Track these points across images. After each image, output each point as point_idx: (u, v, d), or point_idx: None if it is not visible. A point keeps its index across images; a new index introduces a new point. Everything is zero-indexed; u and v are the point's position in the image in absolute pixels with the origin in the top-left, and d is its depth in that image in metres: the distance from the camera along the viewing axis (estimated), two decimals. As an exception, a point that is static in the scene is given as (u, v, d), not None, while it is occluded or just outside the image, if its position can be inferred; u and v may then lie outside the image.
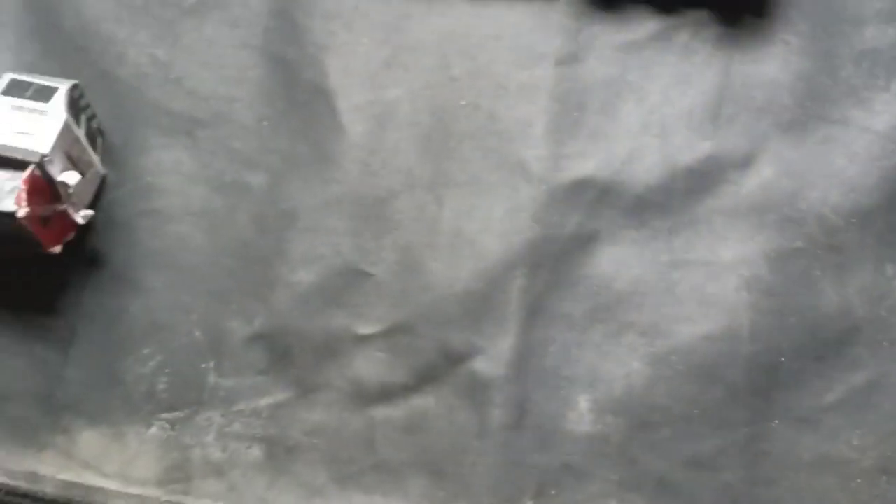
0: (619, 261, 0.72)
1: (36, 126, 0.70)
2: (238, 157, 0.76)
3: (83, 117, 0.75)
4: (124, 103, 0.77)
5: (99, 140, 0.78)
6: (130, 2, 0.79)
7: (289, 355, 0.74)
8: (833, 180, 0.72)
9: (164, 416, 0.74)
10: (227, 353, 0.74)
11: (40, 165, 0.69)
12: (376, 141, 0.75)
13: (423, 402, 0.72)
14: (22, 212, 0.68)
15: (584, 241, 0.73)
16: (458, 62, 0.76)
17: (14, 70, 0.76)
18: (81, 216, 0.73)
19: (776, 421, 0.69)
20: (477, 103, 0.75)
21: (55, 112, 0.71)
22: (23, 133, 0.70)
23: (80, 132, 0.74)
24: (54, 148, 0.70)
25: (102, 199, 0.77)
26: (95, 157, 0.76)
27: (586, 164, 0.74)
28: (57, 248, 0.73)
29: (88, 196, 0.76)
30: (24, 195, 0.68)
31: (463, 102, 0.75)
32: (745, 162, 0.73)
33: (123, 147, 0.77)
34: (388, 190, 0.75)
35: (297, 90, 0.77)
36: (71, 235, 0.75)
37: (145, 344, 0.74)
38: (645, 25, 0.76)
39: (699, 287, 0.71)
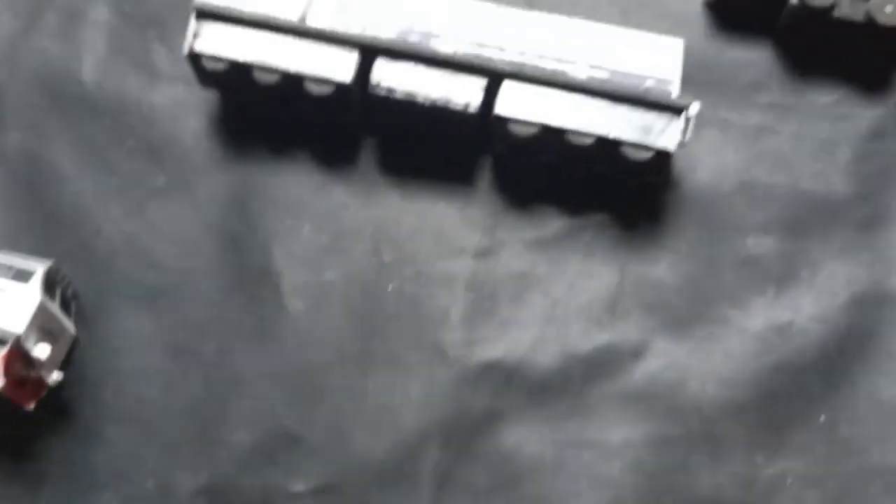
0: (521, 438, 0.81)
1: (14, 306, 0.80)
2: (192, 325, 0.86)
3: (58, 289, 0.85)
4: (97, 273, 0.88)
5: (73, 305, 0.88)
6: (106, 181, 0.89)
7: (229, 507, 0.84)
8: (712, 375, 0.81)
9: (121, 556, 0.84)
10: (175, 503, 0.84)
11: (16, 342, 0.79)
12: (313, 318, 0.85)
13: (346, 554, 0.82)
14: (0, 383, 0.79)
15: (491, 419, 0.82)
16: (388, 250, 0.86)
17: (-2, 240, 0.87)
18: (52, 380, 0.83)
19: (656, 590, 0.78)
20: (402, 289, 0.85)
21: (32, 293, 0.80)
22: (2, 312, 0.80)
23: (55, 305, 0.84)
24: (29, 326, 0.80)
25: (74, 357, 0.87)
26: (68, 322, 0.86)
27: (496, 349, 0.83)
28: (31, 406, 0.83)
29: (61, 356, 0.86)
30: (1, 369, 0.78)
31: (390, 287, 0.85)
32: (636, 354, 0.82)
33: (94, 311, 0.87)
34: (321, 363, 0.84)
35: (246, 269, 0.86)
36: (43, 393, 0.85)
37: (106, 489, 0.84)
38: (553, 224, 0.85)
39: (589, 465, 0.80)
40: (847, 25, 0.85)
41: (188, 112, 0.91)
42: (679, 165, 0.85)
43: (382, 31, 0.83)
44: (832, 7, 0.84)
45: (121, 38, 0.94)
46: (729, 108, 0.88)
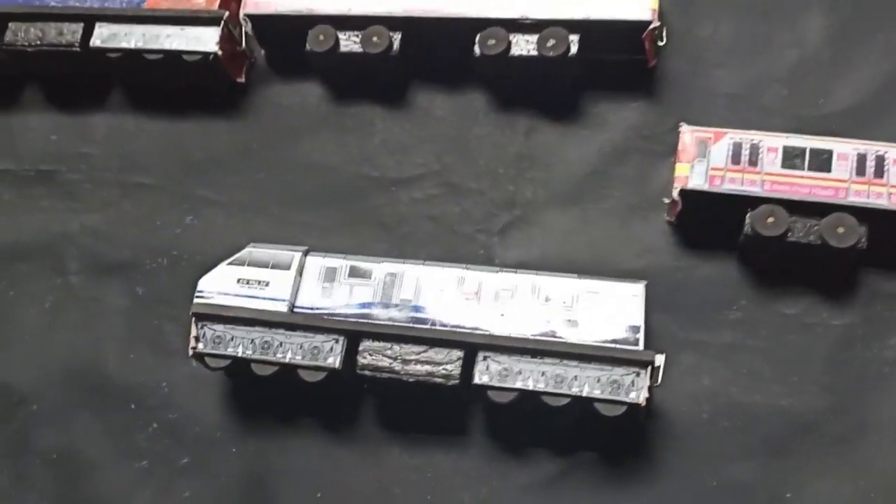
0: None
1: None
2: None
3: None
4: None
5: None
6: (136, 466, 0.95)
7: None
8: None
9: None
10: None
11: None
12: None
13: None
14: None
15: None
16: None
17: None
18: None
19: None
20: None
21: None
22: None
23: None
24: None
25: None
26: None
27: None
28: None
29: None
30: None
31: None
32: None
33: None
34: None
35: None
36: None
37: None
38: (544, 468, 0.89)
39: None
40: (803, 246, 0.89)
41: (203, 388, 0.98)
42: (658, 397, 0.90)
43: (363, 304, 0.90)
44: (786, 233, 0.89)
45: (136, 321, 1.03)
46: (701, 329, 0.92)
